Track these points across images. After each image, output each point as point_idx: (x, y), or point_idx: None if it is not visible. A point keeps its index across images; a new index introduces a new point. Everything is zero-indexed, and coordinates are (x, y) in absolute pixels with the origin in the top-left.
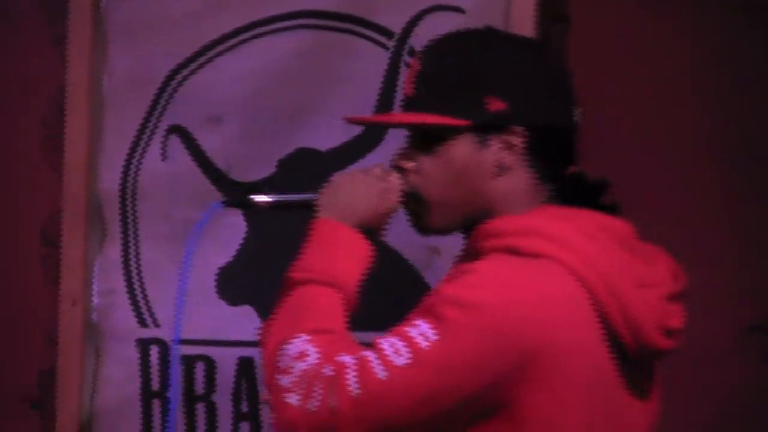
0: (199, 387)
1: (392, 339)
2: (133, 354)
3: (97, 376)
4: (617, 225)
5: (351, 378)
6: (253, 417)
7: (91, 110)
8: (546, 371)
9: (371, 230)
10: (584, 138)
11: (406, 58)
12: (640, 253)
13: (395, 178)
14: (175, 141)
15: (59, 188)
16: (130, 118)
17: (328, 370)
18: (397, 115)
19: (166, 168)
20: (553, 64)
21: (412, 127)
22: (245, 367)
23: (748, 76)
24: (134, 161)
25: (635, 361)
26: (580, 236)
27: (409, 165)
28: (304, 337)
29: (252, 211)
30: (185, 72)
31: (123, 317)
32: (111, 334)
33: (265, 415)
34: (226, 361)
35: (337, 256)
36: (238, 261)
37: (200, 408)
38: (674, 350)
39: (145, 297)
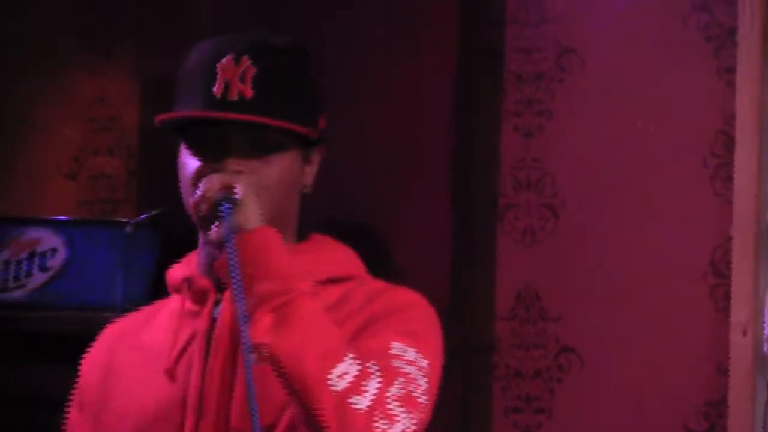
0: None
1: (400, 364)
2: None
3: None
4: None
5: (413, 399)
6: None
7: (761, 139)
8: None
9: None
10: None
11: None
12: None
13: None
14: None
15: (728, 218)
16: None
17: (397, 390)
18: (264, 119)
19: None
20: None
21: (258, 130)
22: None
23: None
24: None
25: None
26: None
27: (247, 170)
28: (351, 354)
29: None
30: None
31: None
32: None
33: None
34: None
35: (299, 265)
36: None
37: None
38: None
39: None
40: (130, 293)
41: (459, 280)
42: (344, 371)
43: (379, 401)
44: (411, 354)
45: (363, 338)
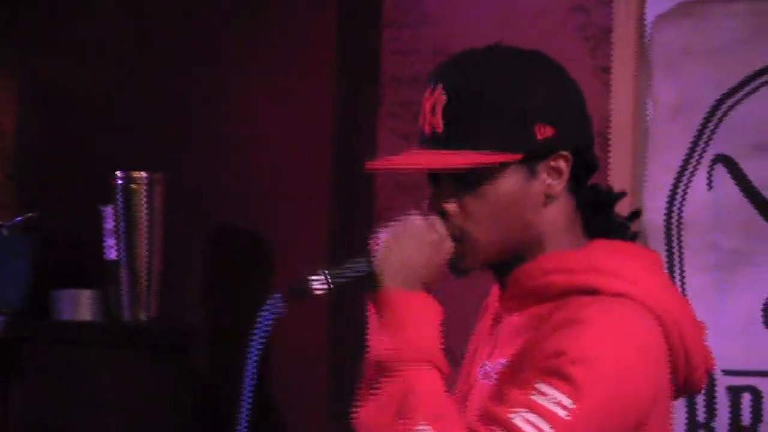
0: (746, 418)
1: (524, 414)
2: None
3: None
4: (658, 257)
5: None
6: None
7: (635, 140)
8: (654, 421)
9: (430, 285)
10: None
11: None
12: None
13: (441, 226)
14: (720, 170)
15: None
16: (675, 148)
17: None
18: (442, 156)
19: (711, 197)
20: (567, 75)
21: (457, 169)
22: None
23: None
24: (679, 190)
25: None
26: (645, 273)
27: (452, 208)
28: (423, 425)
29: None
30: (732, 100)
31: None
32: None
33: None
34: None
35: (421, 330)
36: None
37: None
38: None
39: None
40: (4, 296)
41: None
42: None
43: None
44: (546, 399)
45: (517, 372)
